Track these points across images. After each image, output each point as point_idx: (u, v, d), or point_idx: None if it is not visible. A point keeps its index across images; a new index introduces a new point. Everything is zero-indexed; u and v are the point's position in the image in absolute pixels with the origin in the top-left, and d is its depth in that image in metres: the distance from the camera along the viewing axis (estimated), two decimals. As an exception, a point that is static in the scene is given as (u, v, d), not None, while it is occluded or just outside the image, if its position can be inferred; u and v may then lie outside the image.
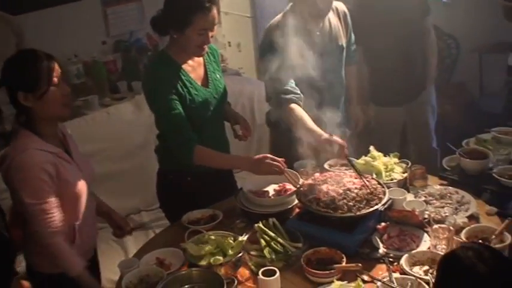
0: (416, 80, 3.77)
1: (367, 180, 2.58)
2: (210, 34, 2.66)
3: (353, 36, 3.24)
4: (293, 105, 2.82)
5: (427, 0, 3.73)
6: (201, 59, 2.82)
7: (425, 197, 2.70)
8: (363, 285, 2.16)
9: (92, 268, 2.46)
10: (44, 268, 2.40)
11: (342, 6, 3.14)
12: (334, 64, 3.04)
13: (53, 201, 2.24)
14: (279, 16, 2.97)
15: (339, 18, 3.11)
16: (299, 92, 2.85)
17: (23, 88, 2.22)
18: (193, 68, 2.79)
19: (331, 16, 3.05)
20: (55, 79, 2.25)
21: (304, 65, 2.80)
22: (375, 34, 3.49)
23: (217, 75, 2.90)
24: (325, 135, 2.64)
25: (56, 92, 2.26)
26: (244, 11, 5.73)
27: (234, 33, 5.72)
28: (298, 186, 2.62)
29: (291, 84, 2.85)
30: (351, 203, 2.42)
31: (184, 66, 2.74)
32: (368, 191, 2.49)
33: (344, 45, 3.13)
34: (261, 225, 2.40)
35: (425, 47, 3.75)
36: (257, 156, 2.65)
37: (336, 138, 2.62)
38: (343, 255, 2.27)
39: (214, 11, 2.63)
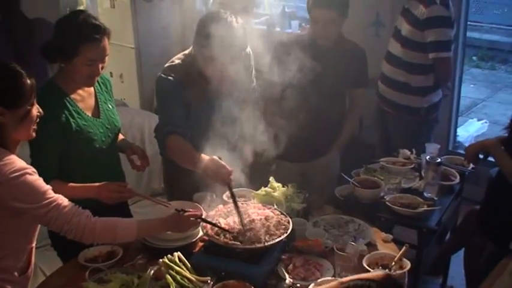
0: (320, 143, 3.54)
1: (271, 211, 2.61)
2: (101, 65, 2.59)
3: (254, 72, 3.11)
4: (175, 136, 2.79)
5: (365, 74, 3.53)
6: (91, 88, 2.74)
7: (324, 226, 2.77)
8: (273, 316, 2.16)
9: None
10: None
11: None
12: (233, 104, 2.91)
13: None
14: (180, 56, 2.93)
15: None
16: (185, 127, 2.82)
17: (3, 104, 2.11)
18: (83, 98, 2.70)
19: None
20: (34, 100, 2.20)
21: (202, 108, 2.85)
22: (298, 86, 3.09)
23: (109, 105, 2.83)
24: (214, 157, 2.60)
25: (33, 114, 2.21)
26: (127, 42, 5.67)
27: (117, 63, 5.60)
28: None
29: (180, 120, 2.82)
30: (257, 234, 2.41)
31: (73, 95, 2.65)
32: (275, 221, 2.51)
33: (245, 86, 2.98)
34: (166, 260, 2.33)
35: (348, 117, 3.60)
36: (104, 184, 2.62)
37: (223, 163, 2.59)
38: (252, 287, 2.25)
39: (105, 42, 2.57)
